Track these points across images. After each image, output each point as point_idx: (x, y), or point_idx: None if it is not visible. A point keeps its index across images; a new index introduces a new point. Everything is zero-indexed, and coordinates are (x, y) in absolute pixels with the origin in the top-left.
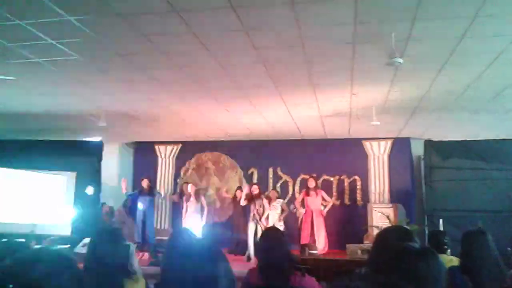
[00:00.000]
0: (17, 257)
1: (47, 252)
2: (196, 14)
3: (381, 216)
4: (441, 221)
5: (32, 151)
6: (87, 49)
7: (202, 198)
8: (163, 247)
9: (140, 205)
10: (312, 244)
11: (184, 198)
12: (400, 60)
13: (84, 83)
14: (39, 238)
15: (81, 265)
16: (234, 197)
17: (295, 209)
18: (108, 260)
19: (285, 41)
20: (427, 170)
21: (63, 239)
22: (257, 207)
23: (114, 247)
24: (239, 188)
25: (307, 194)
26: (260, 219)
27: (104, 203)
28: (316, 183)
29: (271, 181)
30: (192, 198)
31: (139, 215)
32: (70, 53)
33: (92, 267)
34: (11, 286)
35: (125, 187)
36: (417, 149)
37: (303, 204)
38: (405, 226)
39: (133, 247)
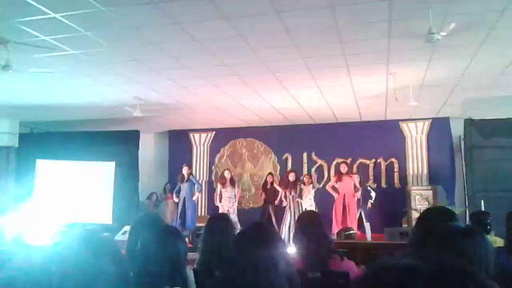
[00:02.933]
0: (61, 242)
1: (91, 237)
2: None
3: (420, 198)
4: (482, 202)
5: (72, 142)
6: (119, 38)
7: (236, 185)
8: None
9: (182, 193)
10: (348, 227)
11: (220, 184)
12: (439, 36)
13: (118, 73)
14: (81, 226)
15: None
16: (265, 183)
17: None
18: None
19: (319, 22)
20: (468, 150)
21: (104, 227)
22: (292, 193)
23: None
24: (270, 173)
25: (340, 179)
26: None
27: (153, 193)
28: (349, 168)
29: (305, 165)
30: (228, 184)
31: (180, 202)
32: (103, 43)
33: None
34: (55, 269)
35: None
36: (457, 129)
37: (335, 189)
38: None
39: None
